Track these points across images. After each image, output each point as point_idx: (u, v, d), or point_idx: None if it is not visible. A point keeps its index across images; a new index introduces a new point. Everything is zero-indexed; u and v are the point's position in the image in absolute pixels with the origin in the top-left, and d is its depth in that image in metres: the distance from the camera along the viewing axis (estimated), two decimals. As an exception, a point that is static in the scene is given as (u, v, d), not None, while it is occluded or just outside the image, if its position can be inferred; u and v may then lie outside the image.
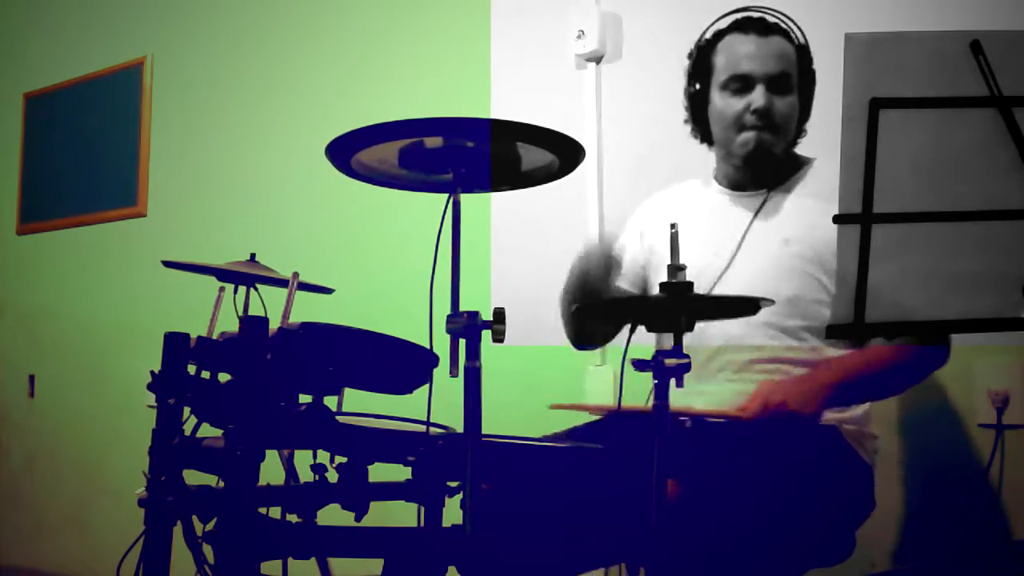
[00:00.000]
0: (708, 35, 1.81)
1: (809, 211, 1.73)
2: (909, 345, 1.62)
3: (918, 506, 2.04)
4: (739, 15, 1.79)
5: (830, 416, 1.68)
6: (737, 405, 1.55)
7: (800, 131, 1.81)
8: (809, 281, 1.71)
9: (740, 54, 1.74)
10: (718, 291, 1.74)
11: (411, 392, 1.45)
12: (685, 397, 1.32)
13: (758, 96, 1.72)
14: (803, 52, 1.78)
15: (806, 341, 1.71)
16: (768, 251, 1.75)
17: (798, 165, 1.82)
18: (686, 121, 1.87)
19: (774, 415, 1.48)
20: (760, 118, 1.73)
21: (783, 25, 1.77)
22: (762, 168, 1.79)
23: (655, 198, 2.00)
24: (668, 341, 1.24)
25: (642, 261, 1.93)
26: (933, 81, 1.02)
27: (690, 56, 1.84)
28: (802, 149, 1.85)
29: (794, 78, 1.76)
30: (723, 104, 1.77)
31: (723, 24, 1.81)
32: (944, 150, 1.03)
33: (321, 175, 1.67)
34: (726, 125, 1.77)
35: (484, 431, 1.20)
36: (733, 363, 1.74)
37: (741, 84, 1.74)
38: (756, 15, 1.78)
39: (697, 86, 1.81)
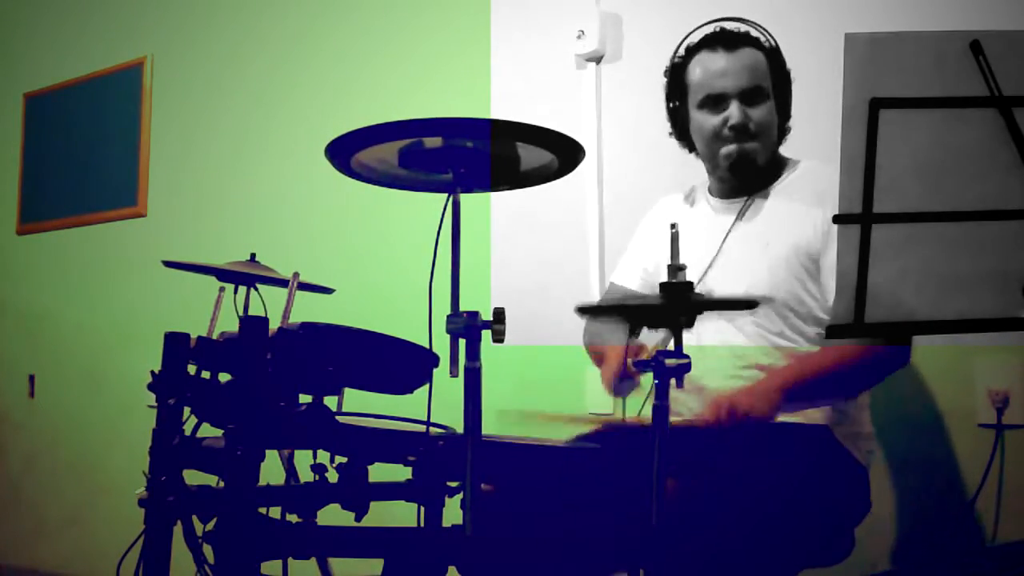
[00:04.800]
0: (681, 52, 1.84)
1: (793, 213, 1.75)
2: (869, 346, 1.64)
3: (917, 506, 2.04)
4: (709, 28, 1.81)
5: (819, 415, 1.69)
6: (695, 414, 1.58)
7: (783, 131, 1.83)
8: (792, 283, 1.72)
9: (711, 72, 1.77)
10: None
11: (411, 392, 1.45)
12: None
13: (734, 112, 1.75)
14: (774, 55, 1.80)
15: (792, 342, 1.72)
16: (751, 255, 1.76)
17: (782, 167, 1.84)
18: (670, 134, 1.90)
19: (727, 420, 1.52)
20: (738, 133, 1.76)
21: (752, 33, 1.79)
22: (748, 176, 1.81)
23: (647, 217, 2.03)
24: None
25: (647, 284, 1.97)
26: (933, 81, 1.02)
27: (666, 74, 1.86)
28: (787, 149, 1.87)
29: (767, 86, 1.78)
30: (702, 120, 1.80)
31: (695, 39, 1.83)
32: (944, 150, 1.03)
33: (321, 175, 1.67)
34: (707, 140, 1.80)
35: (484, 431, 1.20)
36: (716, 369, 1.75)
37: (716, 101, 1.77)
38: (728, 26, 1.79)
39: (676, 103, 1.85)
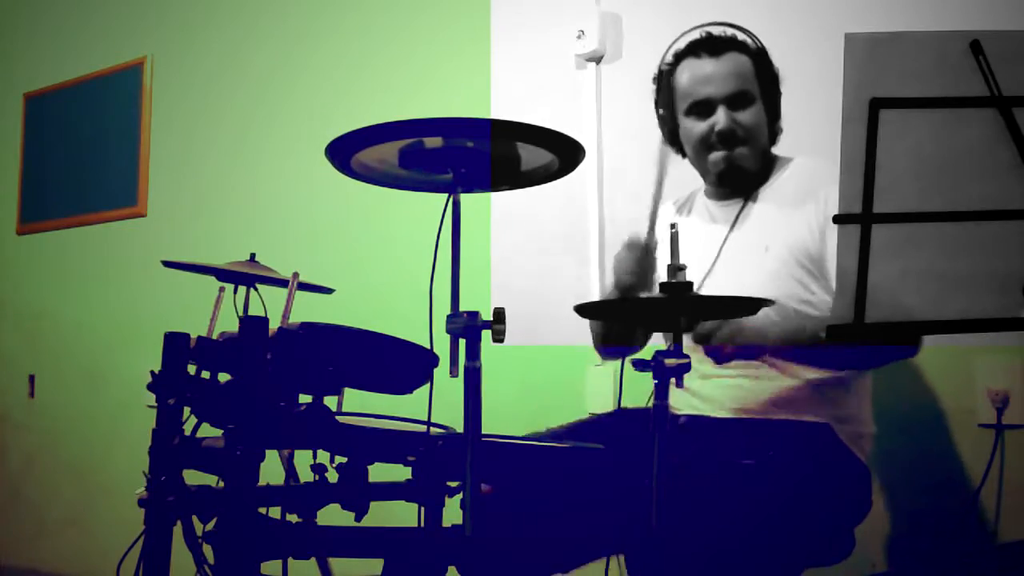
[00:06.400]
0: (669, 58, 1.83)
1: (789, 214, 1.75)
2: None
3: (918, 506, 2.04)
4: (695, 34, 1.80)
5: (823, 414, 1.69)
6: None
7: (774, 132, 1.82)
8: (791, 284, 1.71)
9: (697, 78, 1.77)
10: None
11: (411, 392, 1.45)
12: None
13: (720, 118, 1.75)
14: (761, 57, 1.78)
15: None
16: (749, 257, 1.76)
17: (775, 167, 1.83)
18: (663, 141, 1.87)
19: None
20: (725, 139, 1.75)
21: (738, 37, 1.78)
22: (738, 182, 1.81)
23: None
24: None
25: None
26: (933, 81, 1.02)
27: (654, 80, 1.86)
28: (781, 149, 1.86)
29: (754, 89, 1.77)
30: (690, 127, 1.79)
31: (681, 44, 1.82)
32: (944, 150, 1.03)
33: (321, 175, 1.67)
34: (696, 148, 1.80)
35: (484, 431, 1.20)
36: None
37: (703, 108, 1.77)
38: (714, 31, 1.78)
39: (664, 111, 1.84)
